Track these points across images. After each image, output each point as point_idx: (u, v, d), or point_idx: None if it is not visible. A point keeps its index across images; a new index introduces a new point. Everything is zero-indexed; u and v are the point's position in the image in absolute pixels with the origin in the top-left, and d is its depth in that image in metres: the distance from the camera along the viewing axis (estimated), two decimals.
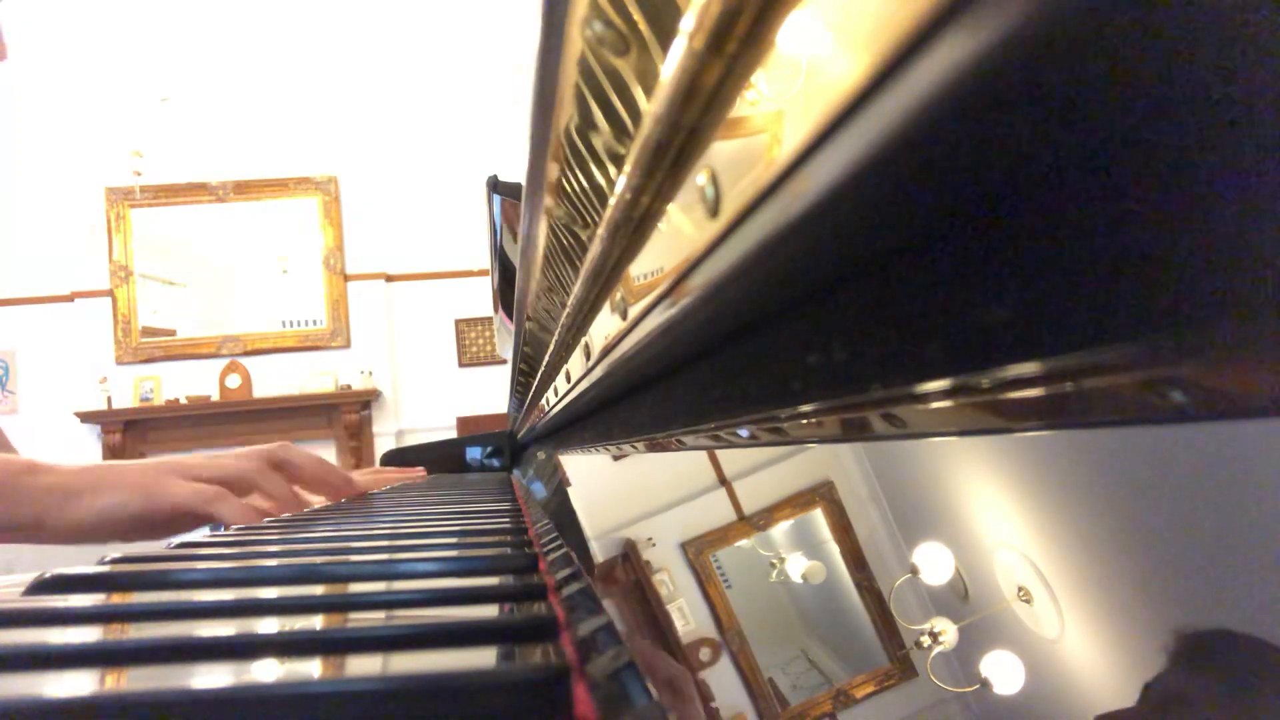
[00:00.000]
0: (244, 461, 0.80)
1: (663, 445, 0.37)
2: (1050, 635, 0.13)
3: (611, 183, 0.21)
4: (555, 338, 0.49)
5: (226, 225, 4.99)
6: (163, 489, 0.71)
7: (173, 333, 4.94)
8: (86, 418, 4.61)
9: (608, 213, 0.23)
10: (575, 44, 0.19)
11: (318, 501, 0.88)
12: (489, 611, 0.27)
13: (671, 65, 0.14)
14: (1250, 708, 0.09)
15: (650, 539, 0.35)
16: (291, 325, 5.02)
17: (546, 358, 0.60)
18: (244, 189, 4.98)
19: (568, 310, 0.38)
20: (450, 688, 0.18)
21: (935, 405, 0.14)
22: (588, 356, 0.39)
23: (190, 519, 0.73)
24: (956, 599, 0.16)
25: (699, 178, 0.16)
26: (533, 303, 0.53)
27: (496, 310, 1.50)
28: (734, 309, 0.22)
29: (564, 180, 0.27)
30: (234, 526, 0.62)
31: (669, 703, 0.21)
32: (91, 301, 4.82)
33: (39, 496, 0.69)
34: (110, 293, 4.83)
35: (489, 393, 5.01)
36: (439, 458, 1.83)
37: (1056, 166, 0.10)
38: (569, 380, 0.52)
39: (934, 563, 0.17)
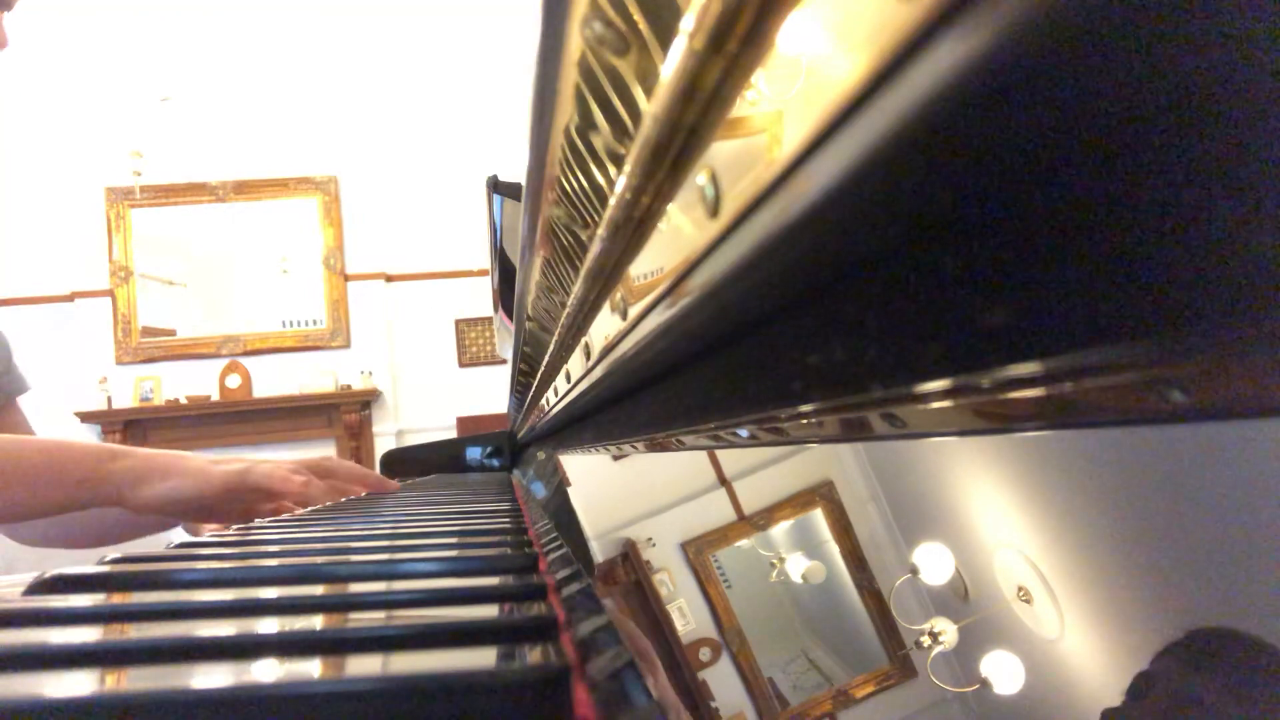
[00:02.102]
0: (290, 464, 0.95)
1: (663, 445, 0.36)
2: (1050, 635, 0.13)
3: (611, 183, 0.21)
4: (555, 338, 0.49)
5: (226, 225, 4.99)
6: (208, 474, 0.86)
7: (173, 333, 4.94)
8: (86, 418, 4.61)
9: (608, 213, 0.23)
10: (575, 44, 0.19)
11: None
12: (489, 611, 0.27)
13: (671, 65, 0.14)
14: (1251, 707, 0.09)
15: (650, 539, 0.35)
16: (291, 325, 5.02)
17: (546, 358, 0.60)
18: (244, 189, 4.98)
19: (568, 310, 0.38)
20: (450, 688, 0.18)
21: (935, 405, 0.14)
22: (588, 356, 0.39)
23: (239, 500, 0.88)
24: (956, 599, 0.16)
25: (699, 178, 0.16)
26: (533, 303, 0.53)
27: (496, 310, 1.50)
28: (734, 309, 0.22)
29: (564, 180, 0.27)
30: (235, 526, 0.62)
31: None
32: (91, 301, 4.81)
33: (119, 478, 0.84)
34: (110, 293, 4.83)
35: (489, 393, 5.01)
36: (439, 457, 1.83)
37: (1057, 166, 0.10)
38: (569, 380, 0.52)
39: (934, 563, 0.17)
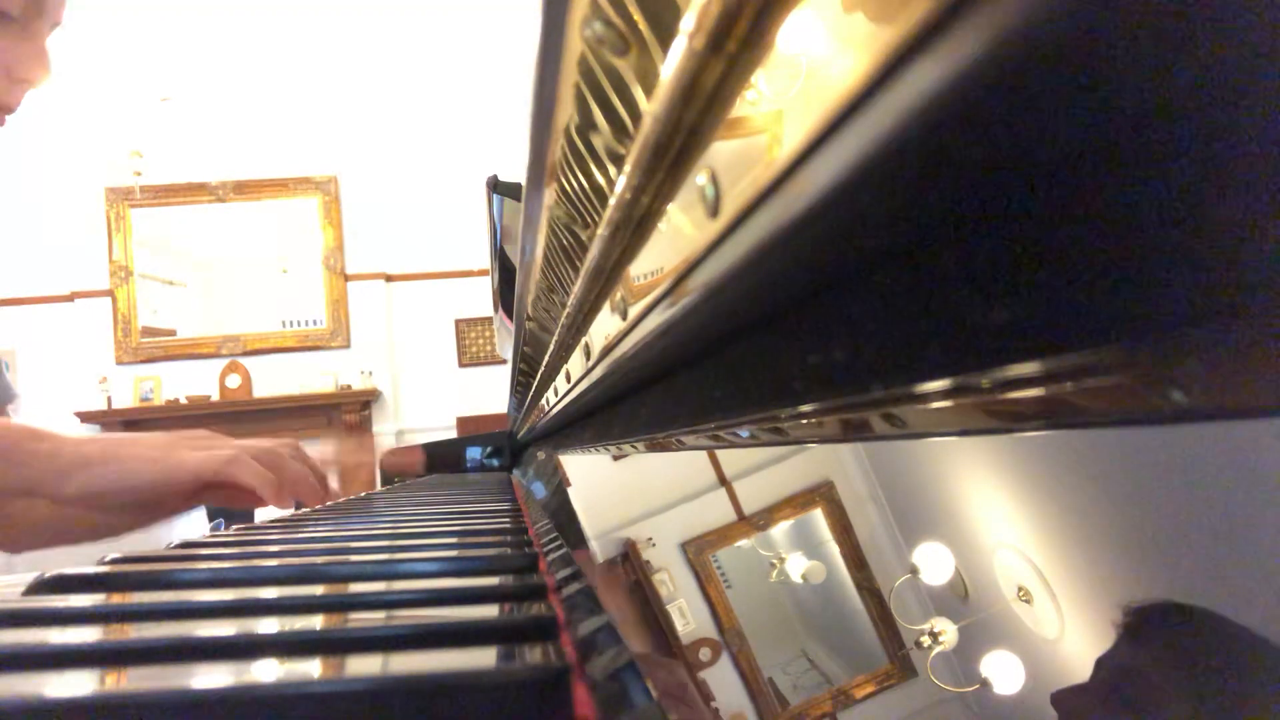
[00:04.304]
0: (260, 441, 0.77)
1: (663, 445, 0.36)
2: (1050, 635, 0.13)
3: (611, 183, 0.21)
4: (555, 338, 0.49)
5: (226, 225, 4.99)
6: (177, 459, 0.69)
7: (173, 333, 4.94)
8: (86, 418, 4.61)
9: (608, 213, 0.23)
10: (575, 44, 0.19)
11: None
12: (489, 611, 0.27)
13: (671, 65, 0.14)
14: (1190, 673, 0.09)
15: (650, 539, 0.35)
16: (291, 325, 5.02)
17: (546, 358, 0.60)
18: (244, 189, 4.98)
19: (568, 310, 0.38)
20: (450, 688, 0.18)
21: (935, 405, 0.14)
22: (588, 356, 0.39)
23: (205, 492, 0.71)
24: (956, 599, 0.16)
25: (699, 178, 0.16)
26: (533, 303, 0.53)
27: (496, 310, 1.50)
28: (734, 309, 0.22)
29: (564, 180, 0.27)
30: (235, 527, 0.62)
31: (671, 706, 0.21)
32: (91, 301, 4.82)
33: (43, 461, 0.65)
34: (110, 293, 4.83)
35: (489, 393, 5.01)
36: (439, 458, 1.83)
37: (1057, 166, 0.10)
38: (569, 380, 0.52)
39: (934, 563, 0.17)
